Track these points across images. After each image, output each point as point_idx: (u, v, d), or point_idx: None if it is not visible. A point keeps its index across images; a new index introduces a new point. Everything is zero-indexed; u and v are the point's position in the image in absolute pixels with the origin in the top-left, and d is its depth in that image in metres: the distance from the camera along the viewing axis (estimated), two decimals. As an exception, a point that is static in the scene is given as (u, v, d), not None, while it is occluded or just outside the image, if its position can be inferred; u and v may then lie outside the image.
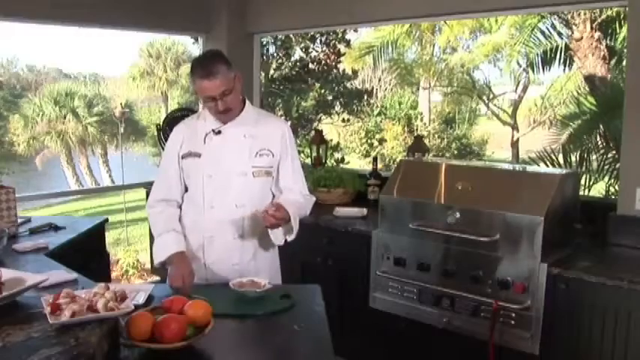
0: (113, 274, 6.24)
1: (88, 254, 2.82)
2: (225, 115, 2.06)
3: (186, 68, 17.77)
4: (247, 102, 2.18)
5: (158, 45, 19.05)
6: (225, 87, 1.98)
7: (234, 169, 2.10)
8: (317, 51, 9.24)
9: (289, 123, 9.66)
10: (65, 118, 17.24)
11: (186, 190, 2.19)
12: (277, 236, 2.12)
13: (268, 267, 2.23)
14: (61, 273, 2.01)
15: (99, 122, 17.63)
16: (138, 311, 1.51)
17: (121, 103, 16.67)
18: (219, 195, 2.10)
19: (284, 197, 2.17)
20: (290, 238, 2.14)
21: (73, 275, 1.99)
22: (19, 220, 2.80)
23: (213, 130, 2.11)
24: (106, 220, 3.20)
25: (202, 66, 1.98)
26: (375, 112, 14.04)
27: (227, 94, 1.99)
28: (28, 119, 17.10)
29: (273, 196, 2.22)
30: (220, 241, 2.13)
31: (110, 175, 17.83)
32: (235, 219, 2.12)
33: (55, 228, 2.84)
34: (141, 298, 1.84)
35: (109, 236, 8.65)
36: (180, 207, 2.21)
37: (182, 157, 2.14)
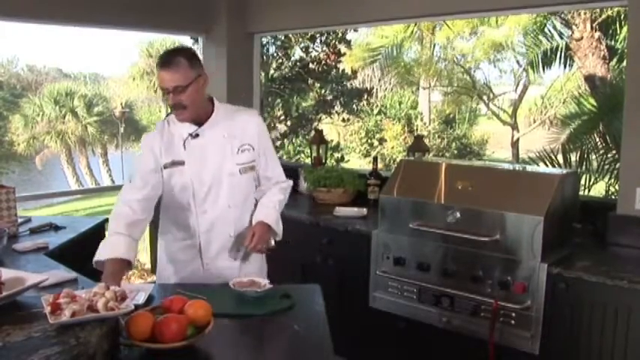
0: (113, 274, 6.22)
1: (88, 254, 2.81)
2: (176, 112, 1.99)
3: (185, 68, 17.73)
4: (216, 101, 2.13)
5: (158, 45, 19.03)
6: (180, 83, 1.92)
7: (222, 170, 2.09)
8: (317, 51, 9.24)
9: (289, 123, 9.71)
10: (65, 117, 17.28)
11: (170, 199, 2.13)
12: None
13: (258, 268, 2.24)
14: (61, 273, 2.02)
15: (99, 122, 17.68)
16: (138, 311, 1.51)
17: (120, 103, 16.69)
18: (210, 197, 2.09)
19: (261, 204, 2.19)
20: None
21: (73, 275, 1.99)
22: (19, 220, 2.80)
23: (190, 135, 2.07)
24: (106, 219, 3.19)
25: (163, 55, 1.97)
26: (375, 112, 14.06)
27: (180, 91, 1.93)
28: (28, 119, 17.14)
29: (256, 188, 2.24)
30: (217, 241, 2.14)
31: (110, 175, 17.85)
32: (229, 218, 2.13)
33: (55, 228, 2.84)
34: (141, 298, 1.84)
35: (109, 236, 8.62)
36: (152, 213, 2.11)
37: (164, 167, 2.07)
